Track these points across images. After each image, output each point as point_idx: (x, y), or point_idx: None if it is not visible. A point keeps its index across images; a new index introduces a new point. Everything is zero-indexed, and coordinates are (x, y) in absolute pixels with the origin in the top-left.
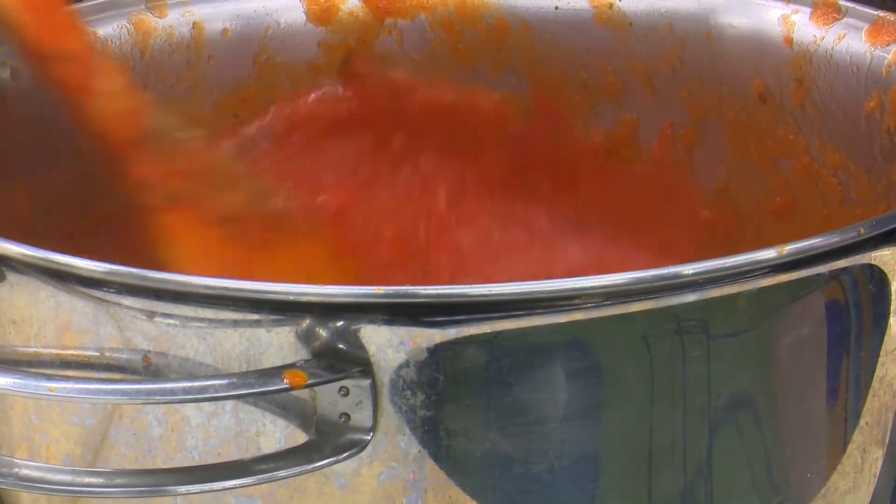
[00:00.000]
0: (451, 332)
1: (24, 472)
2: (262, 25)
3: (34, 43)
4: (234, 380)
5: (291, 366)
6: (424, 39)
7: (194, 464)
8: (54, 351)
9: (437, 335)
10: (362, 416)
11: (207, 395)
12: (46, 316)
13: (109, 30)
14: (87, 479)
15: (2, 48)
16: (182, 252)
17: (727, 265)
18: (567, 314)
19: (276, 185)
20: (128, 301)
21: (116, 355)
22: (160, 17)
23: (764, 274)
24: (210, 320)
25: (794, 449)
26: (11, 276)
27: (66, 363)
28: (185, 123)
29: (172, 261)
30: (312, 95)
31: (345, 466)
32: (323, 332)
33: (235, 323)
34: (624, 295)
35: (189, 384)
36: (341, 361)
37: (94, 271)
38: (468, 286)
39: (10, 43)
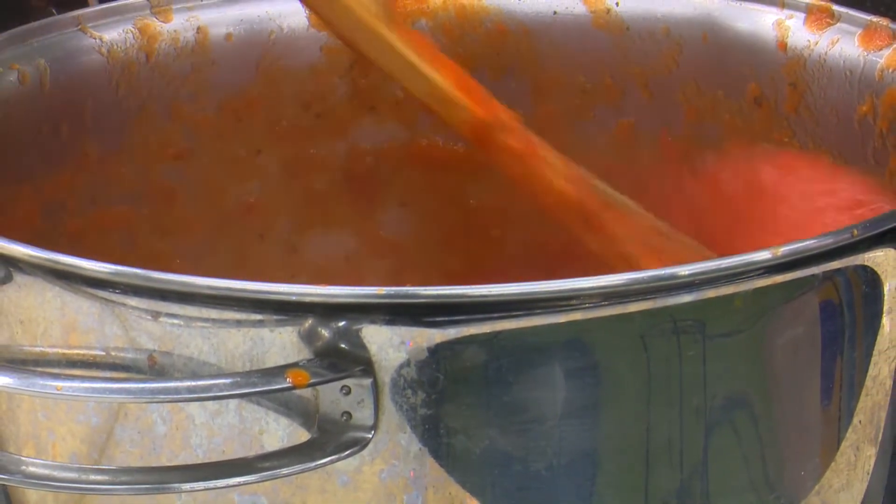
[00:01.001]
0: (451, 332)
1: (31, 469)
2: (266, 30)
3: (473, 119)
4: (238, 379)
5: (294, 365)
6: None
7: (199, 461)
8: (60, 350)
9: (437, 335)
10: (364, 415)
11: (211, 394)
12: (53, 316)
13: (115, 34)
14: (92, 477)
15: (8, 52)
16: None
17: (723, 266)
18: (565, 314)
19: None
20: (133, 301)
21: (122, 355)
22: (165, 22)
23: (759, 275)
24: (214, 320)
25: (789, 447)
26: (18, 277)
27: (73, 362)
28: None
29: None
30: None
31: (347, 464)
32: (325, 332)
33: (239, 323)
34: (621, 295)
35: (193, 383)
36: (343, 361)
37: (100, 272)
38: (468, 287)
39: (455, 126)
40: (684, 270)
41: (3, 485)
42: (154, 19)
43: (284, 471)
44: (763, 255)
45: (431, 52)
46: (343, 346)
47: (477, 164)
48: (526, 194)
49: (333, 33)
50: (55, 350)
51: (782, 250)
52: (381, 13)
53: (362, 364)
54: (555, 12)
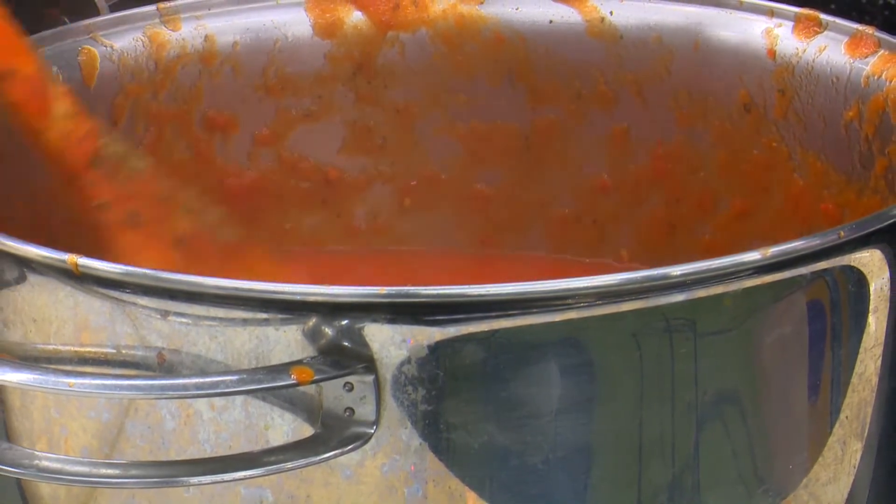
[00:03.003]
0: (451, 331)
1: (44, 463)
2: (271, 38)
3: None
4: (244, 376)
5: (298, 362)
6: (425, 52)
7: (206, 456)
8: (73, 348)
9: (437, 333)
10: (366, 411)
11: (218, 391)
12: (65, 315)
13: (125, 42)
14: (103, 471)
15: None
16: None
17: (713, 267)
18: (561, 313)
19: (227, 213)
20: (143, 301)
21: (132, 352)
22: (174, 31)
23: (748, 275)
24: (221, 319)
25: (778, 442)
26: (32, 277)
27: (84, 360)
28: (138, 152)
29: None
30: None
31: (349, 458)
32: (328, 331)
33: (245, 322)
34: (615, 295)
35: (201, 380)
36: (346, 358)
37: (111, 272)
38: (467, 286)
39: None
40: (676, 271)
41: (18, 478)
42: (163, 28)
43: (289, 465)
44: (752, 256)
45: None
46: (346, 343)
47: (478, 164)
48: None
49: None
50: (67, 348)
51: (771, 251)
52: None
53: (364, 361)
54: (551, 21)
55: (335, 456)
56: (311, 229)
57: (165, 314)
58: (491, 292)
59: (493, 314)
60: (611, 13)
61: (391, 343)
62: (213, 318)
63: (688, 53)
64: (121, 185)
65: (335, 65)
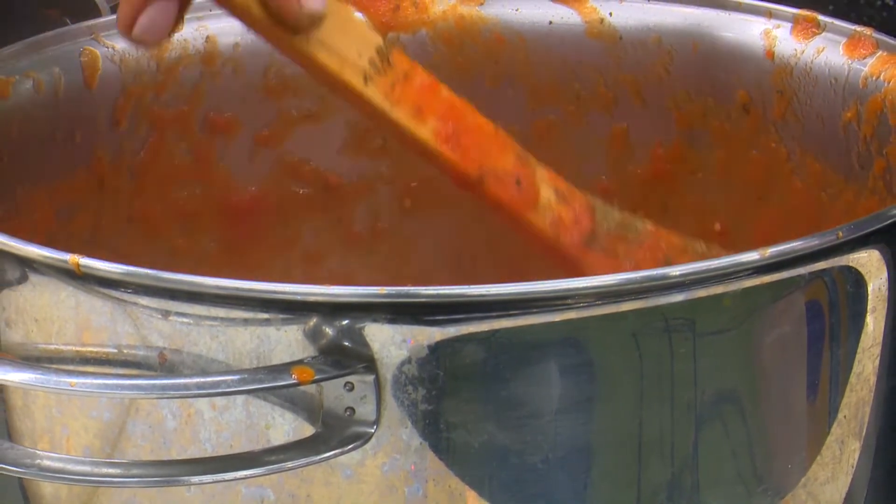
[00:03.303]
0: (451, 331)
1: (46, 462)
2: None
3: (462, 171)
4: (245, 375)
5: (299, 362)
6: (426, 53)
7: (207, 455)
8: (74, 348)
9: (437, 333)
10: (366, 410)
11: (220, 390)
12: (67, 315)
13: (127, 43)
14: (105, 470)
15: (24, 61)
16: None
17: (712, 267)
18: (561, 313)
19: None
20: (144, 301)
21: (133, 352)
22: (175, 32)
23: (747, 275)
24: (222, 319)
25: (776, 441)
26: (33, 277)
27: (86, 359)
28: (635, 216)
29: None
30: None
31: (350, 458)
32: (329, 331)
33: (246, 321)
34: (615, 295)
35: (202, 380)
36: (347, 358)
37: (112, 272)
38: (467, 287)
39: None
40: (675, 271)
41: (20, 478)
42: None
43: (290, 464)
44: (751, 256)
45: (425, 95)
46: (346, 343)
47: None
48: (514, 231)
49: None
50: (69, 347)
51: (770, 251)
52: (364, 65)
53: (365, 361)
54: (550, 22)
55: (336, 455)
56: (312, 234)
57: (167, 314)
58: (491, 292)
59: (493, 314)
60: (610, 14)
61: (391, 343)
62: (215, 318)
63: (687, 54)
64: (622, 257)
65: None
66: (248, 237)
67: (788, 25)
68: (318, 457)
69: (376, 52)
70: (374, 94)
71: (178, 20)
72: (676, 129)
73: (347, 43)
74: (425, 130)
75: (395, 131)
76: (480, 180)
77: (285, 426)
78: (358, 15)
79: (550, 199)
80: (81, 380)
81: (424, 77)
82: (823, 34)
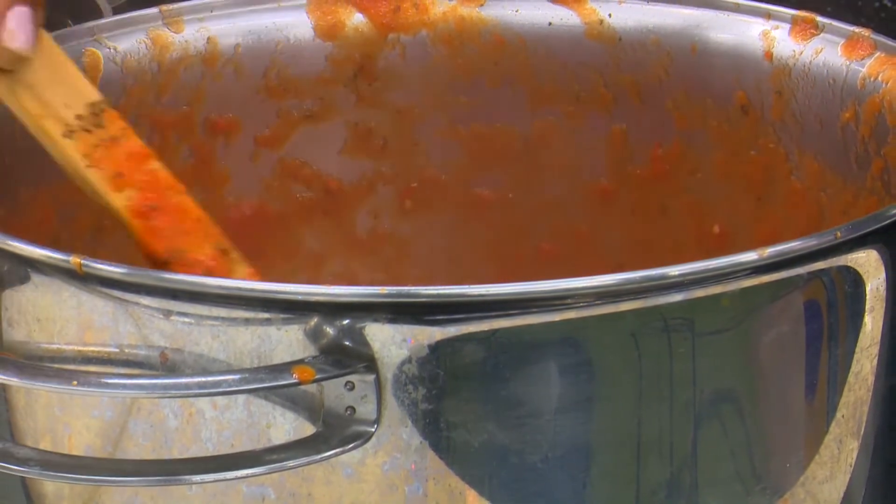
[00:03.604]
0: (451, 330)
1: (48, 461)
2: (273, 41)
3: (149, 249)
4: (246, 375)
5: (300, 362)
6: (426, 54)
7: (208, 454)
8: (76, 347)
9: (437, 333)
10: (367, 410)
11: (221, 390)
12: (69, 314)
13: (129, 44)
14: (107, 469)
15: None
16: None
17: (711, 267)
18: (560, 313)
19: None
20: (146, 300)
21: (135, 352)
22: (177, 33)
23: (746, 275)
24: (223, 318)
25: (775, 440)
26: (36, 277)
27: (88, 359)
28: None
29: None
30: None
31: (350, 457)
32: (330, 330)
33: (247, 321)
34: (614, 295)
35: (203, 379)
36: (347, 357)
37: (114, 273)
38: (467, 286)
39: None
40: (674, 271)
41: (22, 476)
42: (166, 30)
43: (291, 463)
44: (749, 256)
45: (131, 163)
46: (347, 343)
47: (478, 165)
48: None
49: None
50: (71, 347)
51: (768, 251)
52: (69, 119)
53: (365, 361)
54: (550, 23)
55: (336, 454)
56: (313, 236)
57: (168, 314)
58: (491, 292)
59: (493, 314)
60: (609, 15)
61: (392, 342)
62: (216, 318)
63: (686, 55)
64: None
65: (336, 66)
66: (250, 241)
67: (787, 26)
68: (319, 456)
69: (88, 108)
70: (71, 149)
71: (40, 21)
72: (676, 130)
73: (56, 91)
74: (120, 199)
75: (89, 193)
76: (166, 264)
77: (286, 425)
78: (76, 68)
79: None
80: (83, 379)
81: (136, 146)
82: (822, 35)
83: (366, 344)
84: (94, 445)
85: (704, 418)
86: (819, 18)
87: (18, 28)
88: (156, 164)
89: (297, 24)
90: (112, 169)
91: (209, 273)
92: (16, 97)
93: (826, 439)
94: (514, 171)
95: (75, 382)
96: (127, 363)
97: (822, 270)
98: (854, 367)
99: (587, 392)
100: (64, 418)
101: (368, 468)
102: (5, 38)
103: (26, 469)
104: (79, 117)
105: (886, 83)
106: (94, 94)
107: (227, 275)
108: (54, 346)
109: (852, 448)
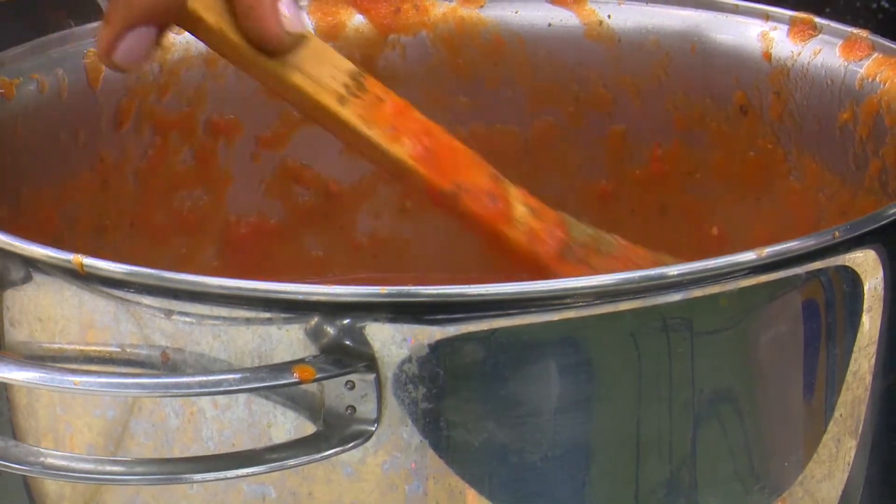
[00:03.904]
0: (451, 330)
1: (50, 460)
2: None
3: (437, 188)
4: (247, 374)
5: (301, 361)
6: (426, 54)
7: (209, 453)
8: (78, 347)
9: (437, 332)
10: (367, 409)
11: (222, 389)
12: (70, 314)
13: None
14: (108, 468)
15: (28, 63)
16: None
17: (709, 267)
18: (559, 312)
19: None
20: (147, 300)
21: (136, 351)
22: (178, 34)
23: (744, 275)
24: (224, 318)
25: (773, 439)
26: (37, 277)
27: (89, 358)
28: (605, 232)
29: None
30: None
31: (351, 456)
32: (330, 330)
33: (248, 321)
34: (613, 295)
35: (204, 378)
36: (348, 357)
37: (116, 272)
38: (467, 286)
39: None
40: (673, 271)
41: (24, 475)
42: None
43: (291, 462)
44: (748, 256)
45: (399, 120)
46: (347, 342)
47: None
48: (490, 247)
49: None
50: (73, 346)
51: (767, 251)
52: (338, 89)
53: (366, 360)
54: (549, 24)
55: (337, 453)
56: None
57: (169, 313)
58: (490, 292)
59: (493, 314)
60: (609, 17)
61: (392, 342)
62: (217, 318)
63: (685, 56)
64: (596, 268)
65: None
66: (252, 246)
67: (785, 28)
68: (320, 455)
69: (350, 76)
70: (350, 115)
71: (157, 45)
72: (675, 131)
73: (321, 67)
74: (401, 150)
75: (370, 152)
76: (456, 196)
77: (287, 424)
78: (326, 44)
79: (524, 213)
80: (85, 378)
81: (397, 100)
82: (820, 36)
83: (366, 343)
84: (96, 444)
85: (703, 418)
86: (817, 20)
87: (291, 11)
88: (418, 113)
89: None
90: (386, 124)
91: (493, 197)
92: (291, 81)
93: (824, 438)
94: (514, 171)
95: (77, 382)
96: (128, 363)
97: (820, 270)
98: (852, 367)
99: (586, 391)
100: (65, 417)
101: (369, 467)
102: (287, 24)
103: (28, 468)
104: (345, 86)
105: (884, 84)
106: (350, 64)
107: (504, 199)
108: (56, 346)
109: (850, 447)
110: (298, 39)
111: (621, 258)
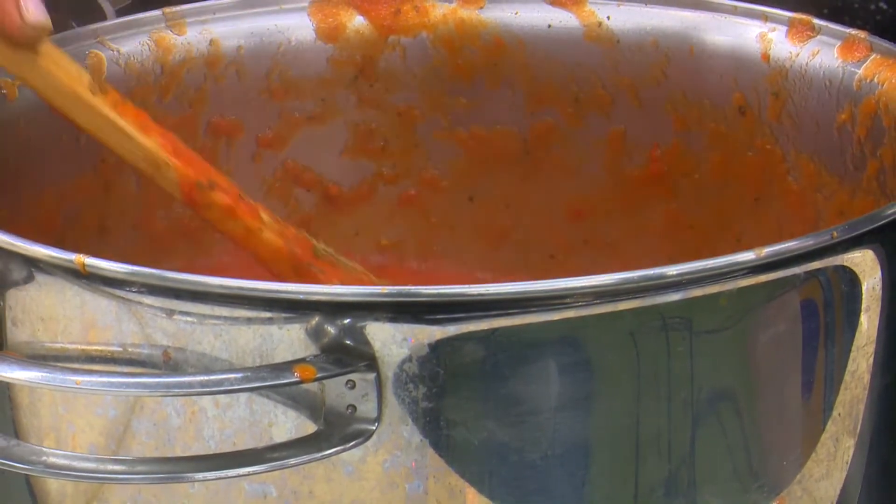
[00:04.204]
0: (451, 329)
1: (52, 459)
2: (275, 43)
3: (182, 178)
4: (248, 374)
5: (301, 360)
6: (426, 55)
7: (211, 452)
8: (80, 346)
9: (437, 332)
10: (368, 408)
11: (223, 388)
12: (72, 314)
13: (132, 46)
14: (110, 467)
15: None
16: None
17: (709, 266)
18: (559, 312)
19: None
20: (148, 300)
21: (138, 351)
22: (179, 35)
23: (743, 274)
24: (226, 318)
25: (772, 438)
26: (39, 277)
27: (91, 358)
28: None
29: None
30: None
31: (351, 455)
32: (331, 329)
33: (249, 320)
34: (612, 294)
35: (206, 378)
36: (348, 356)
37: (117, 272)
38: (467, 286)
39: (167, 186)
40: (672, 271)
41: (26, 474)
42: (169, 32)
43: (292, 461)
44: (747, 256)
45: (141, 120)
46: (348, 342)
47: (478, 166)
48: (242, 246)
49: (43, 98)
50: (75, 346)
51: (765, 251)
52: (87, 82)
53: (366, 360)
54: (549, 26)
55: (337, 452)
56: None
57: (171, 313)
58: (490, 292)
59: (493, 313)
60: (608, 18)
61: (392, 341)
62: (218, 317)
63: (683, 57)
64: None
65: (338, 68)
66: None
67: (783, 29)
68: (320, 454)
69: (91, 80)
70: (103, 103)
71: None
72: (673, 131)
73: (69, 63)
74: (152, 142)
75: (122, 142)
76: (211, 189)
77: (288, 424)
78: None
79: (268, 217)
80: (87, 378)
81: (134, 108)
82: (818, 37)
83: (366, 343)
84: (98, 444)
85: (702, 416)
86: (815, 21)
87: (33, 4)
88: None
89: (298, 27)
90: (135, 120)
91: (241, 198)
92: (45, 67)
93: (823, 437)
94: (514, 171)
95: (79, 381)
96: (130, 362)
97: (818, 270)
98: (850, 366)
99: (586, 390)
100: (68, 416)
101: (369, 466)
102: (28, 16)
103: (30, 467)
104: (90, 85)
105: (882, 85)
106: (86, 74)
107: (249, 202)
108: (58, 345)
109: (849, 446)
110: (42, 31)
111: (351, 272)
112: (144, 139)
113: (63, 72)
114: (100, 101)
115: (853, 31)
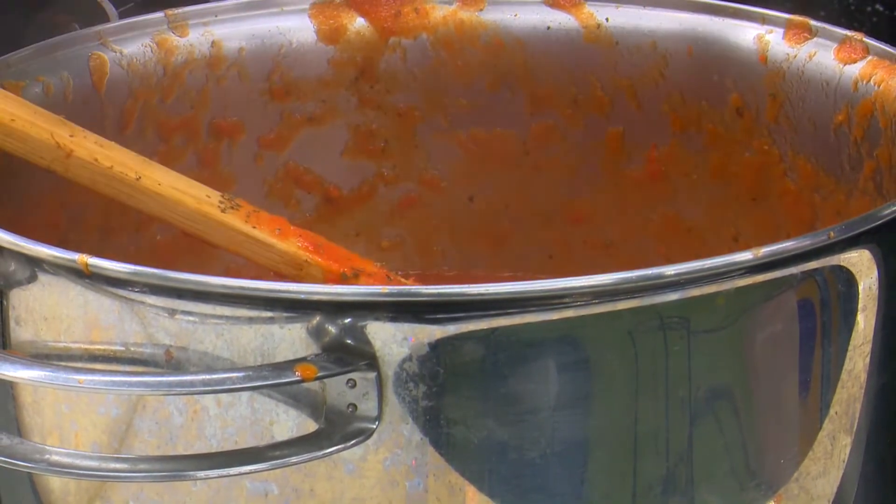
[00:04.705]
0: (451, 329)
1: (55, 458)
2: (276, 44)
3: (327, 274)
4: (250, 373)
5: (303, 360)
6: (426, 57)
7: (213, 451)
8: (83, 346)
9: (437, 331)
10: (368, 407)
11: (225, 387)
12: (75, 313)
13: (134, 48)
14: (113, 465)
15: (33, 65)
16: None
17: (706, 266)
18: (558, 312)
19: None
20: (151, 300)
21: (140, 350)
22: (181, 37)
23: (741, 274)
24: (227, 317)
25: (769, 437)
26: (43, 276)
27: (94, 357)
28: None
29: None
30: None
31: (352, 453)
32: (332, 329)
33: (251, 320)
34: (611, 294)
35: (208, 377)
36: (349, 355)
37: (120, 272)
38: (467, 286)
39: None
40: (670, 270)
41: (29, 472)
42: (171, 34)
43: (293, 459)
44: (744, 256)
45: (277, 224)
46: (349, 341)
47: (477, 167)
48: None
49: (174, 226)
50: (78, 345)
51: (763, 251)
52: (216, 201)
53: (367, 359)
54: (548, 27)
55: (338, 451)
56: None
57: (173, 312)
58: (490, 291)
59: (493, 313)
60: (607, 20)
61: (393, 341)
62: (220, 317)
63: (682, 59)
64: None
65: (338, 70)
66: None
67: (781, 30)
68: (321, 452)
69: (222, 196)
70: (233, 219)
71: None
72: (671, 132)
73: (191, 188)
74: (290, 245)
75: (260, 251)
76: (356, 275)
77: (289, 422)
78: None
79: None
80: (90, 377)
81: (268, 215)
82: (815, 39)
83: (367, 342)
84: (101, 442)
85: (700, 415)
86: (812, 23)
87: None
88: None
89: (299, 28)
90: (270, 228)
91: (387, 278)
92: (169, 203)
93: (819, 436)
94: (513, 173)
95: (82, 380)
96: (132, 361)
97: (815, 270)
98: (847, 365)
99: (585, 389)
100: (71, 415)
101: (370, 464)
102: None
103: (33, 465)
104: (220, 201)
105: (878, 86)
106: (214, 193)
107: (395, 278)
108: (61, 345)
109: (845, 444)
110: None
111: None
112: (282, 244)
113: (189, 197)
114: (231, 217)
115: (850, 33)
